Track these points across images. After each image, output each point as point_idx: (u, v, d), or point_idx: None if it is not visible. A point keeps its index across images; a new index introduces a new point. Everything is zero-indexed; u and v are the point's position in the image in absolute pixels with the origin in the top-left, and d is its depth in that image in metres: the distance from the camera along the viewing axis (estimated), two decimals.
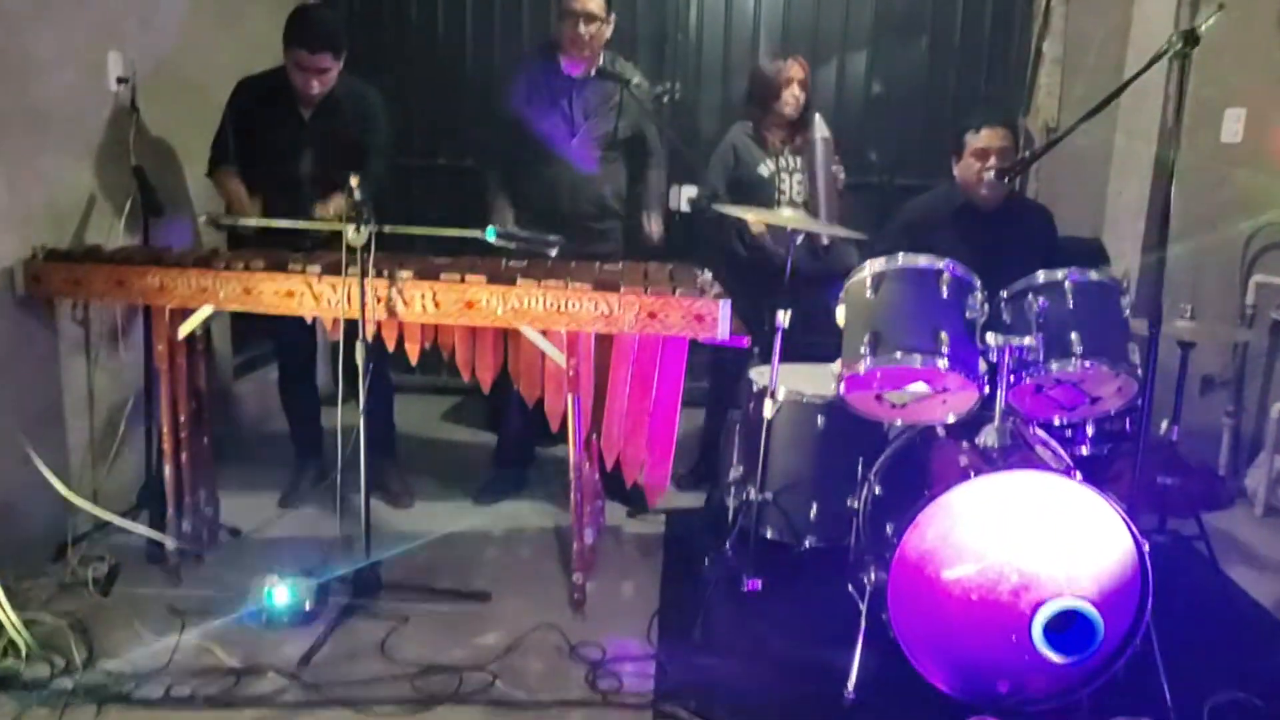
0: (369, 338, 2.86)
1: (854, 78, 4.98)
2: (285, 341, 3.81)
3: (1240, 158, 4.15)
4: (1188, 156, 4.19)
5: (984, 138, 3.31)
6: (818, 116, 3.69)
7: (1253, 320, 4.16)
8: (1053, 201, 4.81)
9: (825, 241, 3.72)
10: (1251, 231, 4.15)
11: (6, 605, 2.60)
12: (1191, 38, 2.59)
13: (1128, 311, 2.80)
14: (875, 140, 4.97)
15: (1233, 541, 3.77)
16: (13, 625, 2.61)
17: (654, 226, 3.84)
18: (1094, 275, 2.81)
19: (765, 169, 3.82)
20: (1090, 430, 3.10)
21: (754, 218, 3.42)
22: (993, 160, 3.29)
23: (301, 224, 3.07)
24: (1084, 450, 3.11)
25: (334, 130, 3.54)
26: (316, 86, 3.43)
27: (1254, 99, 4.12)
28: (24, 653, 2.60)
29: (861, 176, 4.91)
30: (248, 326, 4.50)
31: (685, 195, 4.82)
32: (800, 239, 3.05)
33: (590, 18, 3.59)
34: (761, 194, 3.79)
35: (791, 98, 3.78)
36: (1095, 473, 3.19)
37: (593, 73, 3.69)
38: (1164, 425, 3.25)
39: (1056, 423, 2.99)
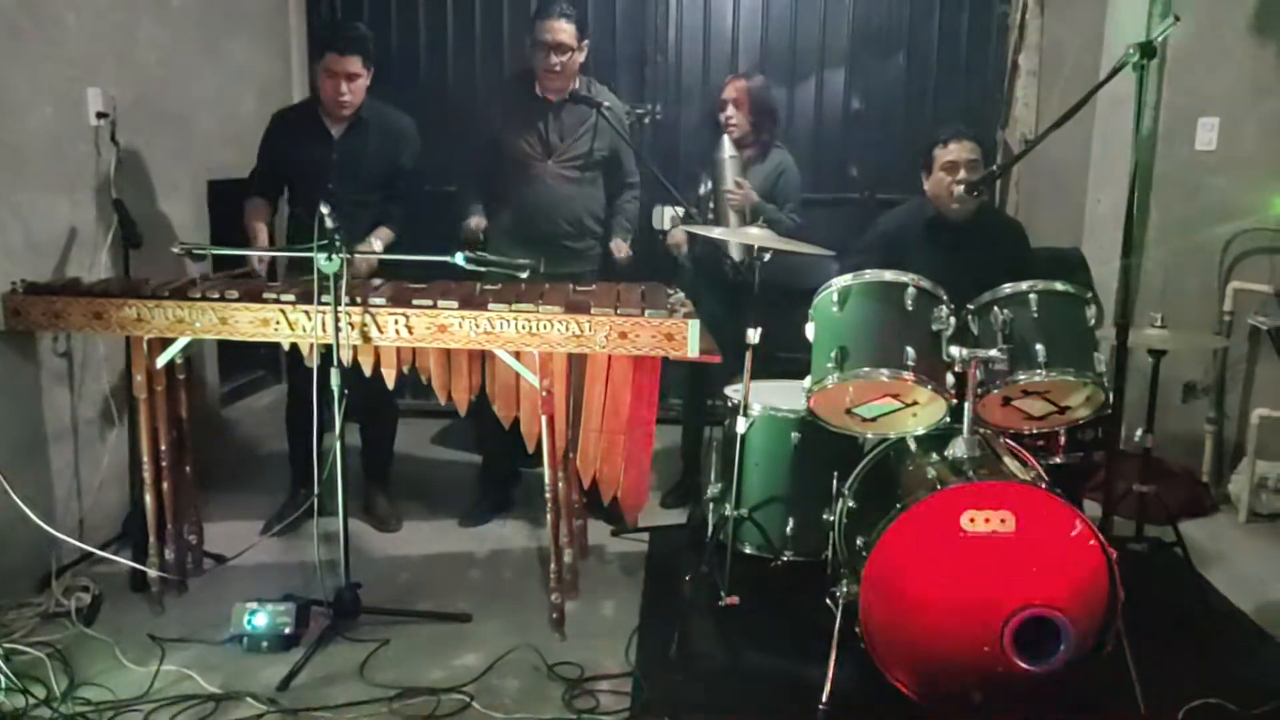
0: (345, 363, 2.90)
1: (833, 94, 5.02)
2: (297, 366, 3.83)
3: (1215, 165, 4.18)
4: (1163, 165, 4.26)
5: (953, 151, 3.34)
6: (724, 137, 3.77)
7: (1231, 327, 4.17)
8: (1032, 212, 4.86)
9: (738, 258, 3.73)
10: (1229, 238, 4.17)
11: None
12: (1148, 49, 2.63)
13: (1093, 321, 2.82)
14: (855, 155, 5.00)
15: (1216, 547, 3.78)
16: None
17: (620, 250, 3.85)
18: (1059, 286, 2.83)
19: (703, 187, 3.90)
20: (1063, 439, 3.12)
21: (715, 234, 3.44)
22: (962, 173, 3.31)
23: (272, 252, 3.11)
24: (1058, 459, 3.13)
25: (362, 151, 3.65)
26: (347, 94, 3.53)
27: (1227, 107, 4.15)
28: (2, 684, 2.62)
29: (842, 192, 4.96)
30: (235, 355, 4.55)
31: (668, 215, 4.86)
32: (768, 256, 3.08)
33: (561, 48, 3.63)
34: (703, 210, 3.91)
35: (724, 118, 3.83)
36: (1073, 481, 3.22)
37: (567, 96, 3.73)
38: (1138, 433, 3.25)
39: (1028, 432, 3.01)
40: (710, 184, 3.87)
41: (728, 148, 3.77)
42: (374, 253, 3.51)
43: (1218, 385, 4.26)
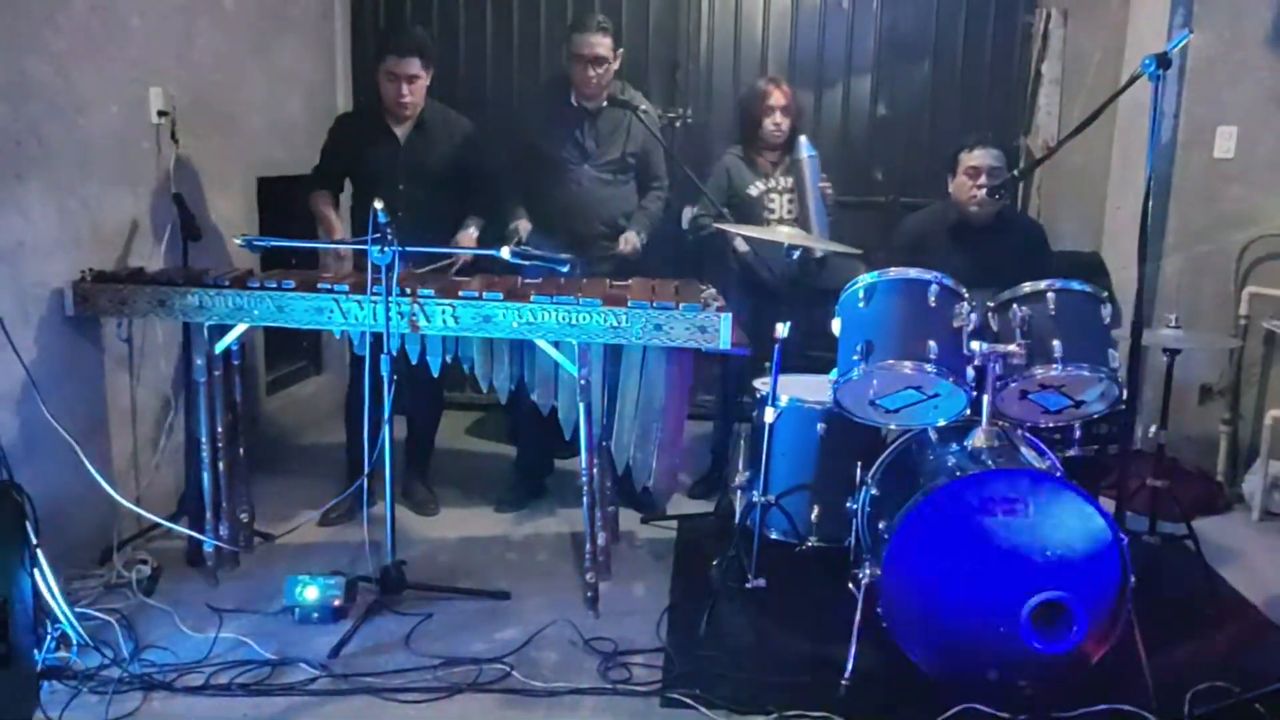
0: (394, 352, 3.06)
1: (859, 100, 5.15)
2: (359, 360, 3.91)
3: (1233, 173, 4.29)
4: (1182, 172, 4.37)
5: (977, 157, 3.49)
6: (802, 137, 3.86)
7: (1246, 331, 4.28)
8: (1054, 217, 4.98)
9: (818, 254, 3.86)
10: (1245, 244, 4.28)
11: (61, 600, 2.80)
12: (1164, 60, 2.75)
13: (1108, 319, 2.95)
14: (880, 160, 5.15)
15: (1229, 544, 3.88)
16: (66, 618, 2.80)
17: (627, 242, 3.95)
18: (1076, 286, 2.96)
19: (755, 189, 4.00)
20: (1078, 433, 3.24)
21: (755, 234, 3.57)
22: (984, 178, 3.46)
23: (328, 245, 3.27)
24: (1073, 452, 3.25)
25: (428, 152, 3.82)
26: (407, 95, 3.69)
27: (1246, 116, 4.26)
28: (75, 644, 2.80)
29: (867, 195, 5.10)
30: (279, 347, 4.72)
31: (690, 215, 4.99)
32: (797, 254, 3.22)
33: (599, 61, 3.79)
34: (752, 213, 3.97)
35: (772, 124, 3.94)
36: (1089, 477, 3.34)
37: (604, 102, 3.88)
38: (1152, 429, 3.37)
39: (1045, 425, 3.13)
40: (790, 184, 3.97)
41: (806, 147, 3.84)
42: (472, 240, 3.73)
43: (1233, 388, 4.37)
